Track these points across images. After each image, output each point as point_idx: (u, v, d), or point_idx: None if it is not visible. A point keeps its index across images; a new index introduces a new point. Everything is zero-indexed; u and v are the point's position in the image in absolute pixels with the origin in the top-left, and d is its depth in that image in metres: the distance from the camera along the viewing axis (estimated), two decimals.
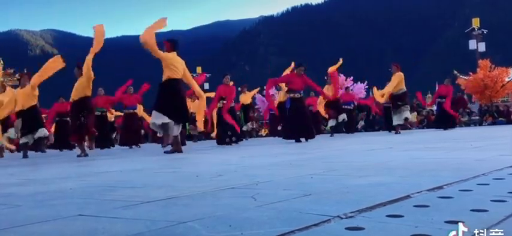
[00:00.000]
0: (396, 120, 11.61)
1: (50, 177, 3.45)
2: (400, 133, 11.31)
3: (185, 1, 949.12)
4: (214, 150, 7.45)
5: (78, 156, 7.42)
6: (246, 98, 13.74)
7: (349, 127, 14.01)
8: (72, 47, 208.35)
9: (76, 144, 8.15)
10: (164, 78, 6.72)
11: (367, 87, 25.32)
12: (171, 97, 6.68)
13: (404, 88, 11.62)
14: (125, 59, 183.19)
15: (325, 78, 12.72)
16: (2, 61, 30.24)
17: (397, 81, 11.42)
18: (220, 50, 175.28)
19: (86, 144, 9.27)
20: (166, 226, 1.30)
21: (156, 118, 6.60)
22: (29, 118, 8.40)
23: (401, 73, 11.57)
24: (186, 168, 3.85)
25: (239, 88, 13.81)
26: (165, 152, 6.67)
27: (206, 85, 34.66)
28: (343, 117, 12.84)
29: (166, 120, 6.56)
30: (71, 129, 8.14)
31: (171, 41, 7.06)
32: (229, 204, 1.64)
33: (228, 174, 2.85)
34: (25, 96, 8.33)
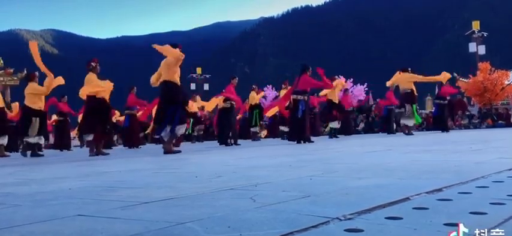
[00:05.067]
0: (404, 121, 11.62)
1: (49, 177, 3.45)
2: (411, 134, 11.32)
3: (185, 2, 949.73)
4: (214, 151, 7.45)
5: (92, 154, 7.29)
6: (253, 98, 13.67)
7: (347, 129, 14.02)
8: (72, 47, 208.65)
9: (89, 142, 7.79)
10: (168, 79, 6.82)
11: (366, 88, 25.34)
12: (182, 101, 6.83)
13: (408, 90, 11.63)
14: (124, 59, 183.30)
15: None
16: (1, 61, 30.23)
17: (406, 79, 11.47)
18: (220, 50, 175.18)
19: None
20: (165, 226, 1.30)
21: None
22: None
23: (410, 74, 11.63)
24: (185, 168, 3.84)
25: (253, 87, 13.86)
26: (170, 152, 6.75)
27: (206, 86, 34.72)
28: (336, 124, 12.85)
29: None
30: (88, 125, 7.68)
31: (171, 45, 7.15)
32: (228, 205, 1.64)
33: (227, 175, 2.85)
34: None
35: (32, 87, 8.49)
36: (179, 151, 6.78)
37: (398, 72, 11.85)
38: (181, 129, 6.84)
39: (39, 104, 8.54)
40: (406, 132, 11.50)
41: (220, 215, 1.44)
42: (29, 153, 8.60)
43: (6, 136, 9.32)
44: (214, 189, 2.12)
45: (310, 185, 2.14)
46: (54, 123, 13.38)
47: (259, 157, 5.01)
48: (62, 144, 12.87)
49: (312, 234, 1.15)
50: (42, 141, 8.82)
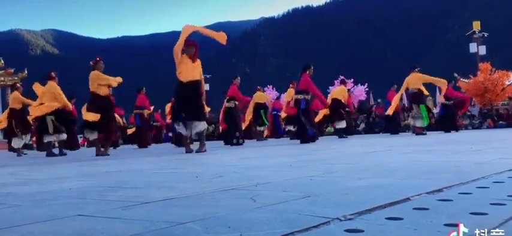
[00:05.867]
0: (414, 121, 11.68)
1: (50, 177, 3.45)
2: (425, 133, 11.38)
3: (186, 2, 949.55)
4: (214, 151, 7.45)
5: (98, 154, 7.30)
6: (261, 97, 13.65)
7: (348, 130, 14.04)
8: (72, 47, 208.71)
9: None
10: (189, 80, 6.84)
11: (367, 89, 25.34)
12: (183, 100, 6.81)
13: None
14: (125, 59, 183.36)
15: (336, 81, 12.91)
16: (2, 61, 30.22)
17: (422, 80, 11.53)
18: (221, 50, 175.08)
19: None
20: (165, 226, 1.30)
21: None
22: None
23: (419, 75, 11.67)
24: (186, 168, 3.84)
25: (258, 88, 13.90)
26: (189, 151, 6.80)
27: (206, 86, 34.69)
28: (343, 124, 12.85)
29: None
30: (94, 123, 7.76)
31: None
32: (228, 205, 1.64)
33: (228, 175, 2.85)
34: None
35: (54, 85, 8.49)
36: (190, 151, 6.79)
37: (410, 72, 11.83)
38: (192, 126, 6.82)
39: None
40: (415, 132, 11.53)
41: (220, 215, 1.44)
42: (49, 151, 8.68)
43: (28, 136, 9.45)
44: (214, 189, 2.12)
45: (310, 185, 2.14)
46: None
47: (260, 157, 5.01)
48: (71, 144, 12.93)
49: (312, 234, 1.15)
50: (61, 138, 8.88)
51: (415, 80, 11.52)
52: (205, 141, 7.03)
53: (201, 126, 6.75)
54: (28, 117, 9.72)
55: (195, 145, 7.22)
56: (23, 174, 4.11)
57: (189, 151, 6.77)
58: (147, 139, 12.65)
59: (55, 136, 8.58)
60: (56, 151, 8.83)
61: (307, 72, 9.26)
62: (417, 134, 11.33)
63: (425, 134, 11.29)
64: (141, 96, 12.36)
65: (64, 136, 8.68)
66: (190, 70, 6.76)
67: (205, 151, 6.78)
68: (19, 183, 3.08)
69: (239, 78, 10.79)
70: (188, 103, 6.73)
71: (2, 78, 28.62)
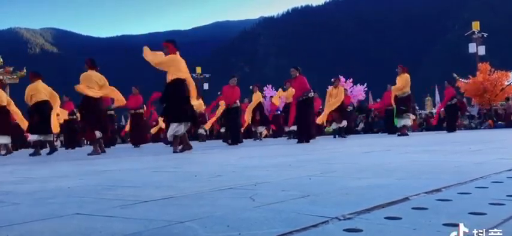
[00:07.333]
0: (399, 123, 11.79)
1: (49, 176, 3.45)
2: (407, 134, 11.47)
3: (185, 1, 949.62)
4: (214, 150, 7.45)
5: (89, 154, 7.29)
6: (257, 98, 13.61)
7: (348, 129, 14.02)
8: (71, 45, 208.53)
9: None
10: (170, 78, 6.77)
11: (366, 89, 25.32)
12: (178, 99, 6.74)
13: (409, 91, 11.71)
14: (124, 58, 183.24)
15: (332, 80, 12.87)
16: (1, 59, 30.19)
17: (402, 83, 11.53)
18: (220, 50, 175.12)
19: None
20: (164, 225, 1.30)
21: (177, 129, 6.73)
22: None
23: (407, 75, 11.63)
24: (185, 167, 3.84)
25: (250, 87, 13.84)
26: (174, 152, 6.72)
27: (206, 86, 34.70)
28: (344, 123, 12.84)
29: (181, 127, 6.75)
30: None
31: (172, 41, 7.07)
32: (227, 204, 1.64)
33: (227, 174, 2.85)
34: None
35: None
36: (176, 152, 6.75)
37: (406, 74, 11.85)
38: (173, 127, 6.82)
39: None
40: (404, 131, 11.64)
41: (219, 214, 1.44)
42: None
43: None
44: (213, 188, 2.12)
45: (309, 185, 2.14)
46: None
47: (259, 157, 5.01)
48: (70, 143, 12.95)
49: (311, 234, 1.15)
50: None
51: (406, 83, 11.61)
52: (188, 140, 7.03)
53: (171, 128, 6.78)
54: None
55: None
56: (22, 172, 4.11)
57: (174, 150, 6.79)
58: (141, 138, 12.62)
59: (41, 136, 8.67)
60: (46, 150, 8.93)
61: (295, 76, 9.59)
62: (400, 135, 11.46)
63: (407, 135, 11.43)
64: (136, 96, 12.32)
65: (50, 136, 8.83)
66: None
67: (190, 149, 6.82)
68: (18, 182, 3.08)
69: (235, 78, 10.69)
70: (167, 105, 6.88)
71: (1, 77, 28.57)
